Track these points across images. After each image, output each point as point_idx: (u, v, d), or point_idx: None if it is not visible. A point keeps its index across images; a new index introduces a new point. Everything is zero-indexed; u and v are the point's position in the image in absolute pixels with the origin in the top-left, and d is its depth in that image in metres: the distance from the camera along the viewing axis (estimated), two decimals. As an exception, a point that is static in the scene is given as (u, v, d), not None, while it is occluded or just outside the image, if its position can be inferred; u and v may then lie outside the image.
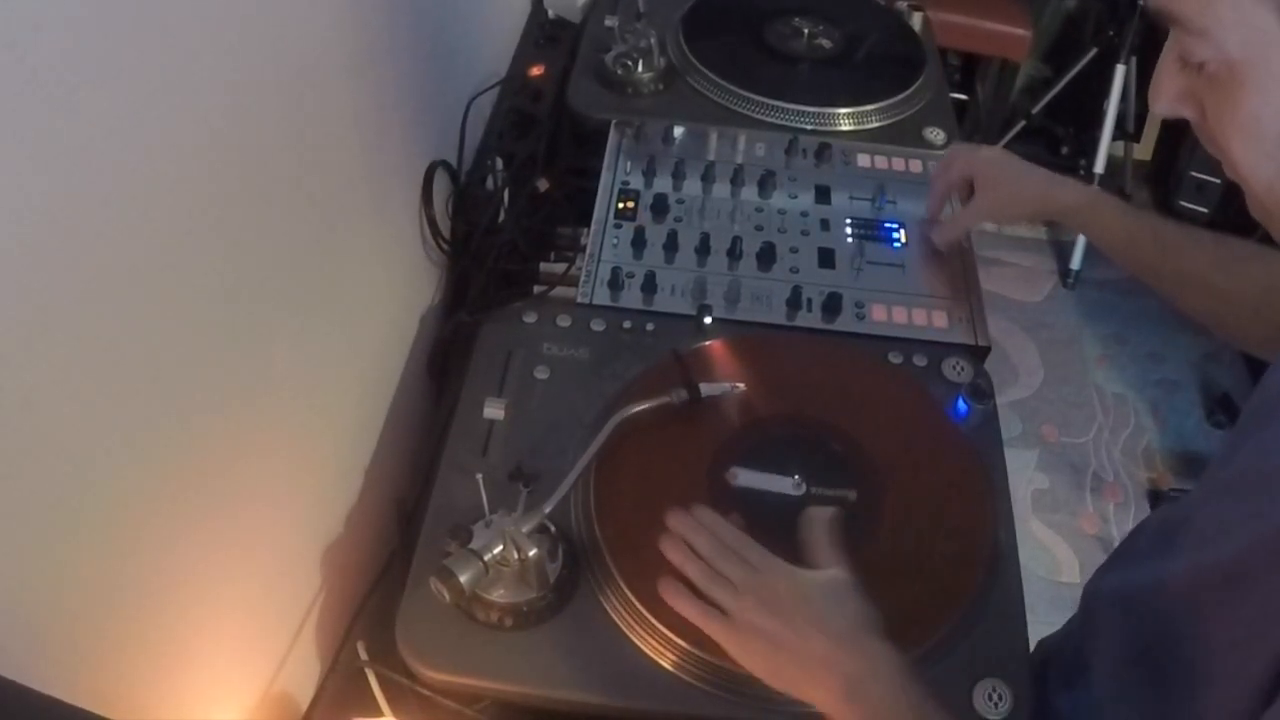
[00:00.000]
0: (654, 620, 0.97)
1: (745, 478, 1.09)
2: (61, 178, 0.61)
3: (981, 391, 1.19)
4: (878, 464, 1.12)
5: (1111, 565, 1.04)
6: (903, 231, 1.42)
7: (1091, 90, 3.20)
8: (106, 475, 0.71)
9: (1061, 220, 1.25)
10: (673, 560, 0.95)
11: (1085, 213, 1.22)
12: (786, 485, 1.09)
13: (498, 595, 0.98)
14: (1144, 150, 3.56)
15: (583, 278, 1.32)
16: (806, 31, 1.71)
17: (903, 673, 0.84)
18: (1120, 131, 3.23)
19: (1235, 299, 1.09)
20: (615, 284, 1.30)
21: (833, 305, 1.29)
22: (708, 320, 1.25)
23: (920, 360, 1.24)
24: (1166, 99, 0.82)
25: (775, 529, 1.02)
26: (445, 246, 1.44)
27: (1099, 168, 3.12)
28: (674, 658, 0.97)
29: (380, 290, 1.27)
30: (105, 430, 0.70)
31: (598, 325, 1.25)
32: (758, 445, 1.12)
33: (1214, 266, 1.10)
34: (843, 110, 1.59)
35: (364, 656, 1.01)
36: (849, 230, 1.42)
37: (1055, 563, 2.60)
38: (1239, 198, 0.82)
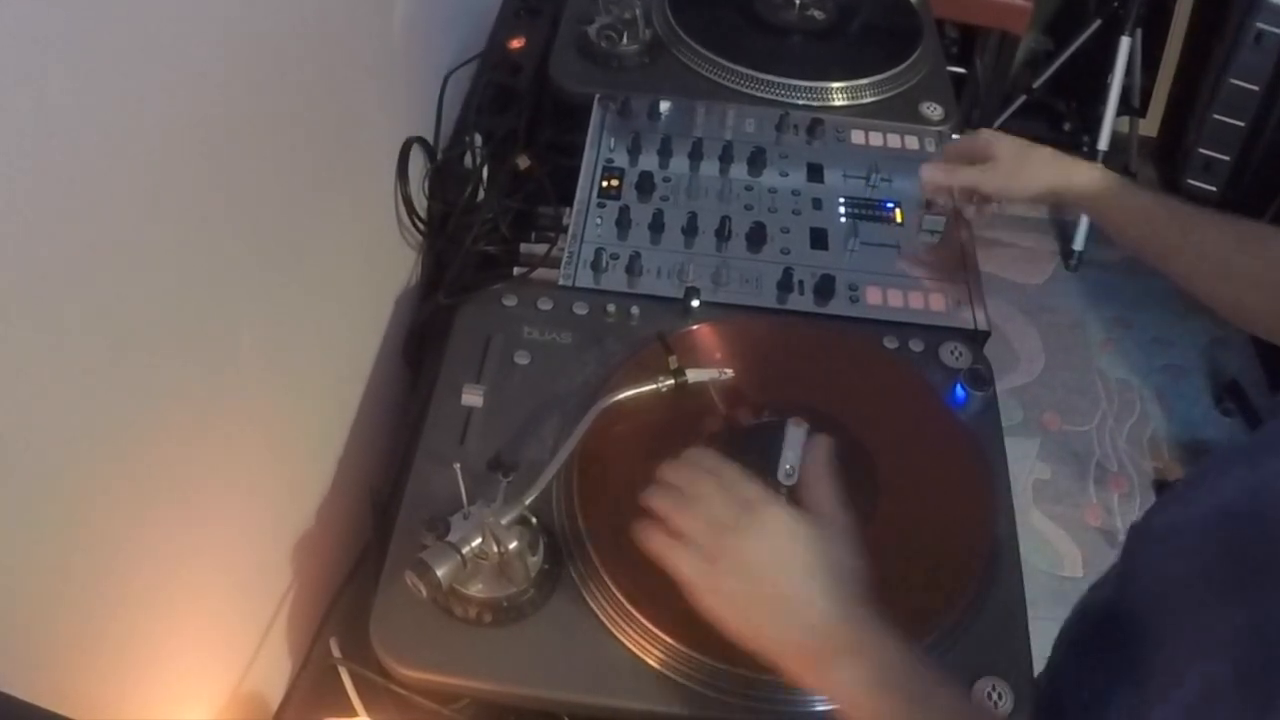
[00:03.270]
0: (639, 616, 0.98)
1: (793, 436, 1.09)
2: (16, 151, 0.61)
3: (980, 378, 1.19)
4: (872, 453, 1.12)
5: (1182, 496, 1.03)
6: (899, 211, 1.43)
7: (1095, 64, 3.21)
8: (61, 461, 0.70)
9: (1074, 203, 1.25)
10: (657, 507, 0.91)
11: (1099, 196, 1.22)
12: (780, 471, 1.08)
13: (476, 590, 0.98)
14: (1150, 126, 3.57)
15: (565, 259, 1.32)
16: (798, 2, 1.71)
17: (893, 647, 0.81)
18: (1125, 106, 3.23)
19: (1256, 281, 1.08)
20: (599, 265, 1.30)
21: (825, 288, 1.30)
22: (695, 303, 1.25)
23: (917, 345, 1.25)
24: None
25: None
26: (421, 227, 1.44)
27: (1103, 144, 3.13)
28: (660, 655, 0.97)
29: (353, 272, 1.27)
30: (59, 414, 0.69)
31: (580, 308, 1.25)
32: (747, 434, 1.13)
33: (1234, 246, 1.10)
34: (836, 85, 1.59)
35: (337, 654, 1.01)
36: (842, 210, 1.42)
37: (1057, 556, 2.62)
38: (1248, 175, 0.82)
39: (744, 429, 1.14)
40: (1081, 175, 1.24)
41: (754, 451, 1.10)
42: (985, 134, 1.32)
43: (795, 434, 1.07)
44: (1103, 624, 1.03)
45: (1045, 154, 1.27)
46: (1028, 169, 1.28)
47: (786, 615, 0.84)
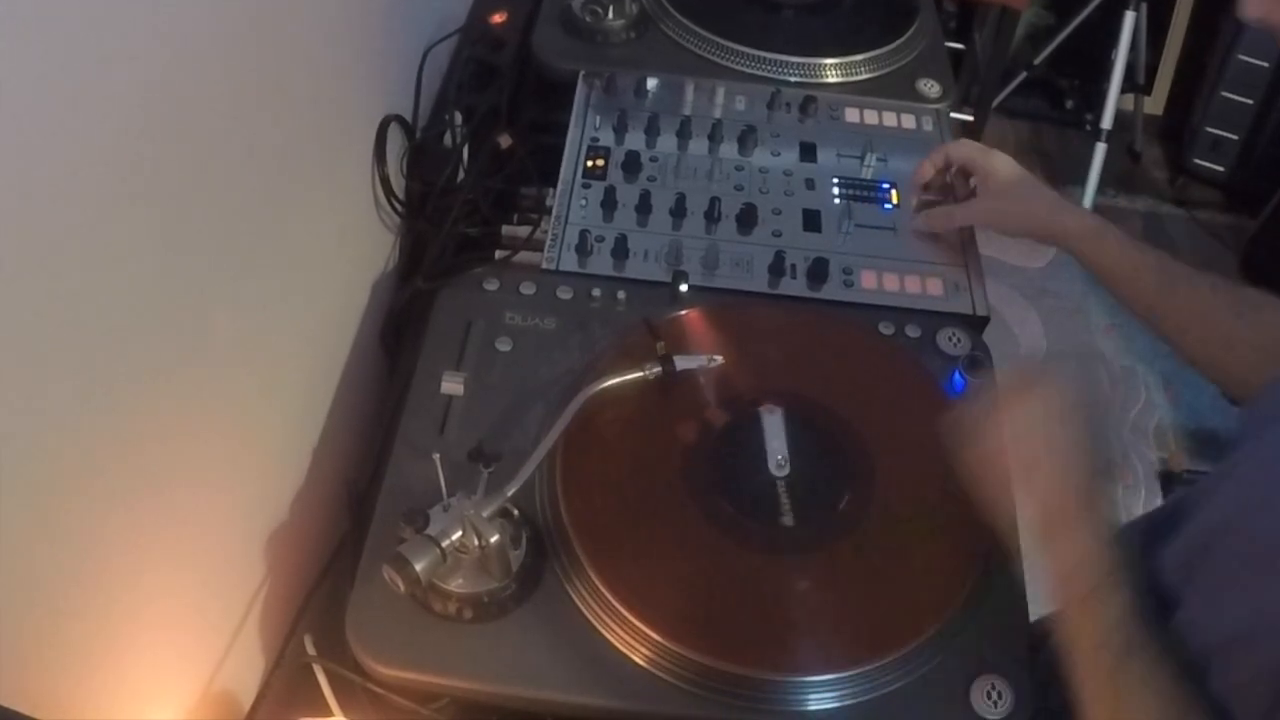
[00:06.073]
0: (625, 612, 0.98)
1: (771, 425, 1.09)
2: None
3: (980, 364, 1.19)
4: (868, 443, 1.13)
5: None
6: (894, 192, 1.43)
7: (1098, 39, 3.21)
8: (25, 452, 0.70)
9: (1062, 246, 1.25)
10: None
11: (1089, 239, 1.23)
12: (771, 463, 1.09)
13: (456, 585, 0.98)
14: (1155, 104, 3.57)
15: (548, 242, 1.32)
16: (790, -25, 1.71)
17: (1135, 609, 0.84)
18: (1130, 83, 3.23)
19: (1244, 346, 1.09)
20: (583, 248, 1.30)
21: (819, 271, 1.30)
22: (683, 288, 1.25)
23: (913, 331, 1.25)
24: (1256, 8, 0.87)
25: (754, 514, 1.04)
26: (399, 208, 1.44)
27: (1106, 123, 3.12)
28: (646, 652, 0.97)
29: (330, 255, 1.27)
30: (23, 403, 0.69)
31: (564, 293, 1.25)
32: (737, 423, 1.13)
33: (1226, 308, 1.11)
34: (829, 61, 1.58)
35: (312, 651, 1.01)
36: (836, 190, 1.42)
37: (1058, 549, 2.61)
38: (1257, 155, 0.83)
39: (733, 418, 1.13)
40: (1074, 218, 1.25)
41: (746, 445, 1.10)
42: (995, 160, 1.32)
43: (772, 421, 1.07)
44: None
45: (1042, 196, 1.29)
46: (1021, 209, 1.29)
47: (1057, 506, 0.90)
